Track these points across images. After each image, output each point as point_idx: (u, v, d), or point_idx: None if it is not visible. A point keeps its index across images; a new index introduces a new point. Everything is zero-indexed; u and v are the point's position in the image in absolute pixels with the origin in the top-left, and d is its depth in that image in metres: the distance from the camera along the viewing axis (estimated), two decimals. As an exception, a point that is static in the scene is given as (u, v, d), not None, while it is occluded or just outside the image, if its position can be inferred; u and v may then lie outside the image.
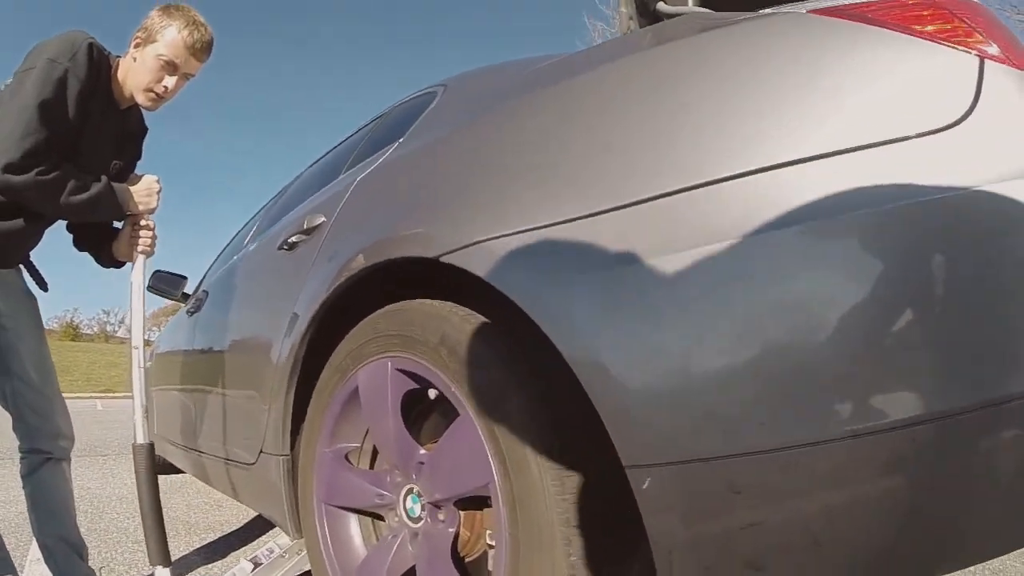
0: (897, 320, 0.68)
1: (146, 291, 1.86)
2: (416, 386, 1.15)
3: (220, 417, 2.06)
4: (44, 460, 1.77)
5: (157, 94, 1.73)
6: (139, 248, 1.83)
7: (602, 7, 13.31)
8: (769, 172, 0.75)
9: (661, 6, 1.21)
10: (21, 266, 1.81)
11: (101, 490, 3.72)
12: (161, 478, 1.80)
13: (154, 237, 1.85)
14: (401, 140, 1.62)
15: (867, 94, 0.75)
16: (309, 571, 1.61)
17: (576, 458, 0.90)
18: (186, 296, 3.25)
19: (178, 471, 3.36)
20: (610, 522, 0.90)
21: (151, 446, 1.76)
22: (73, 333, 50.81)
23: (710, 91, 0.85)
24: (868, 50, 0.76)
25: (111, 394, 19.72)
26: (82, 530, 1.86)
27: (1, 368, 1.73)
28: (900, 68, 0.74)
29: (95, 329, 56.48)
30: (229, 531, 2.78)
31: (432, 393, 1.15)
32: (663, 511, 0.76)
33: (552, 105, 1.08)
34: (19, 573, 1.75)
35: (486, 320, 1.05)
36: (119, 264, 1.91)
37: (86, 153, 1.69)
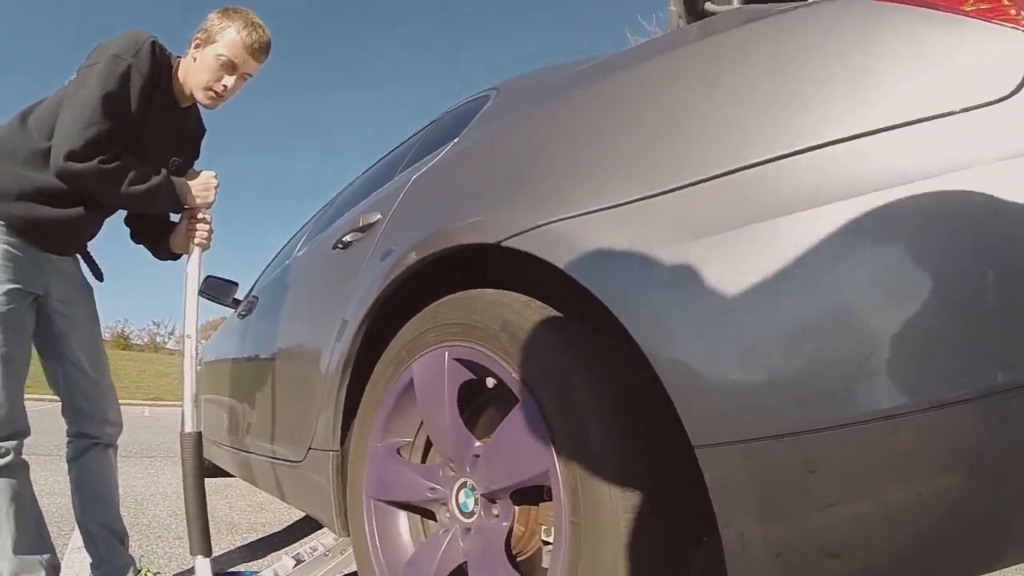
0: (973, 287, 0.64)
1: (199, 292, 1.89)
2: (472, 376, 1.13)
3: (269, 415, 2.07)
4: (91, 445, 1.80)
5: (216, 92, 1.77)
6: (195, 240, 1.86)
7: (644, 23, 13.48)
8: (828, 147, 0.73)
9: (709, 6, 1.21)
10: (79, 257, 1.85)
11: (146, 488, 3.78)
12: (205, 480, 1.80)
13: (210, 230, 1.88)
14: (456, 140, 1.62)
15: (921, 72, 0.73)
16: (353, 573, 1.59)
17: (641, 442, 0.86)
18: (236, 302, 3.30)
19: (224, 474, 3.40)
20: (677, 507, 0.86)
21: (199, 435, 1.77)
22: (124, 343, 52.26)
23: (770, 71, 0.83)
24: (919, 30, 0.75)
25: (160, 402, 20.12)
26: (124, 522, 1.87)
27: (54, 353, 1.77)
28: (951, 47, 0.73)
29: (145, 340, 57.99)
30: (271, 532, 2.79)
31: (490, 382, 1.13)
32: (734, 493, 0.72)
33: (609, 95, 1.06)
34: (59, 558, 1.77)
35: (546, 306, 1.03)
36: (175, 256, 1.95)
37: (147, 147, 1.73)
